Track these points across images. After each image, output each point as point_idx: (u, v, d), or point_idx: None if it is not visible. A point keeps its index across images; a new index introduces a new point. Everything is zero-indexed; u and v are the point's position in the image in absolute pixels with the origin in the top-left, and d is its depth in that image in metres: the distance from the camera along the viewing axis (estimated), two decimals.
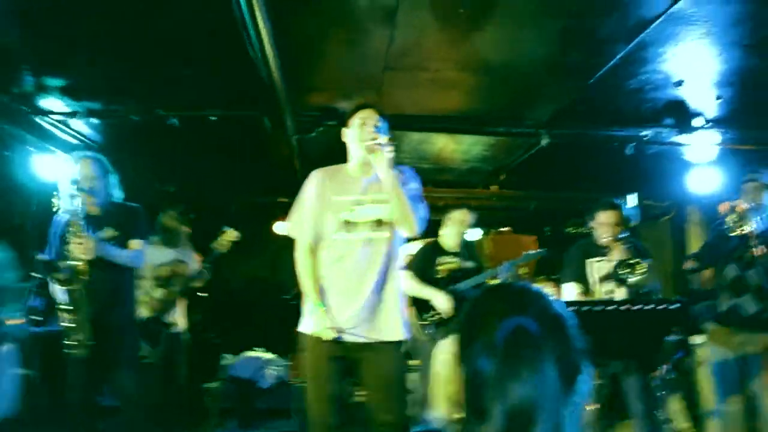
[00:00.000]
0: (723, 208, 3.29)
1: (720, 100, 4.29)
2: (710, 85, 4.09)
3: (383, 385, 2.57)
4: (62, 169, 3.44)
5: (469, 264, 4.34)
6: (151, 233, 4.14)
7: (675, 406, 4.07)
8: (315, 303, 2.57)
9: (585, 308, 2.78)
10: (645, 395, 3.10)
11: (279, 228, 6.79)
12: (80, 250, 3.08)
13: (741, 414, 3.34)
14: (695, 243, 6.62)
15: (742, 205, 3.22)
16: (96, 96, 4.38)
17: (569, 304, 2.86)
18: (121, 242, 3.34)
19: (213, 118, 4.52)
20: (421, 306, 4.13)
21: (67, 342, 3.09)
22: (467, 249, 4.42)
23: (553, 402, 0.95)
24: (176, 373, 4.34)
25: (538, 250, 4.78)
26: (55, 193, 3.19)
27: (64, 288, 3.15)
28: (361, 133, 2.57)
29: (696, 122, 4.71)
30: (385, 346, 2.56)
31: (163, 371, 4.20)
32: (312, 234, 2.65)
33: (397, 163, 2.53)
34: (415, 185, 2.66)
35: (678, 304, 2.79)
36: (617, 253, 3.32)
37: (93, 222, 3.28)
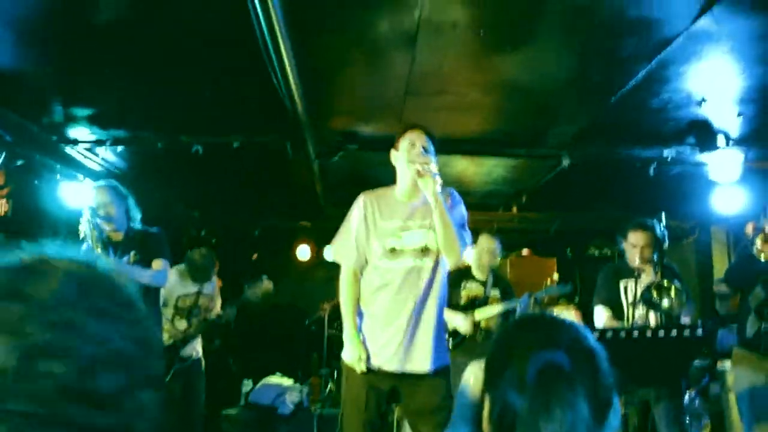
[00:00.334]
0: (749, 228, 3.21)
1: (741, 117, 4.23)
2: (733, 102, 4.04)
3: (422, 415, 2.53)
4: (89, 197, 3.51)
5: (494, 292, 4.29)
6: (176, 259, 4.13)
7: None
8: (351, 332, 2.53)
9: (609, 335, 2.65)
10: (676, 423, 3.02)
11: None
12: None
13: None
14: (720, 264, 6.50)
15: None
16: (122, 125, 4.47)
17: (597, 333, 2.78)
18: (144, 266, 3.38)
19: (236, 144, 4.56)
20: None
21: None
22: (494, 277, 4.38)
23: None
24: (195, 399, 4.27)
25: (560, 286, 4.72)
26: (80, 220, 3.26)
27: None
28: (410, 155, 2.51)
29: (719, 141, 4.65)
30: (423, 376, 2.50)
31: (182, 399, 4.12)
32: (357, 260, 2.59)
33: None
34: (462, 210, 2.62)
35: (702, 330, 2.70)
36: (648, 276, 3.22)
37: (115, 247, 3.35)
